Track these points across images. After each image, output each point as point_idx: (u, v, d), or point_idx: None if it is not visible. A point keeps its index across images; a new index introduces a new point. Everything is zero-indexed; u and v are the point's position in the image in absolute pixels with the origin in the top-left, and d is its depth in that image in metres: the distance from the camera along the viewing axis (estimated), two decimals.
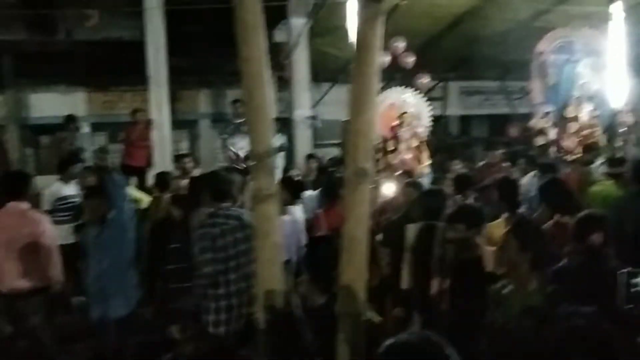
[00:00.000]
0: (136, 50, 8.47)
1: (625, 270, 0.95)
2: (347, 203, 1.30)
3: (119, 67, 9.28)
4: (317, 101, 11.24)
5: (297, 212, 4.67)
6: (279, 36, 9.65)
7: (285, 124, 9.50)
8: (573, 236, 2.92)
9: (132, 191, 5.68)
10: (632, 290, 0.94)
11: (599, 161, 6.36)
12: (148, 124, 8.48)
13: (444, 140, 12.58)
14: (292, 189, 4.68)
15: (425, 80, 9.25)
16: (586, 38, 9.24)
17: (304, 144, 9.18)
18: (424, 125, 8.79)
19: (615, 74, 7.64)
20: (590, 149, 7.08)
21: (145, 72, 8.41)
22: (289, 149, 8.57)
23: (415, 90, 9.11)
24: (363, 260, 1.26)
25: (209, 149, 10.59)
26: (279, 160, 7.21)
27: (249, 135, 1.27)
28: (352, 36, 6.47)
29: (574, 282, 2.28)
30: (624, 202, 4.05)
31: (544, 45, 9.34)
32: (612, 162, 5.37)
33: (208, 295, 3.16)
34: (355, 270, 1.26)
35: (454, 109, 14.15)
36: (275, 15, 9.49)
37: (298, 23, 8.20)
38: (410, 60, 9.90)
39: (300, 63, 8.46)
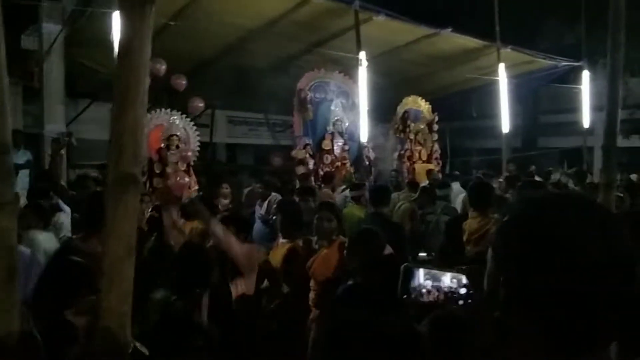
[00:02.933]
0: None
1: (404, 264, 1.10)
2: (110, 217, 1.12)
3: None
4: (73, 118, 10.22)
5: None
6: (28, 42, 8.53)
7: (33, 140, 8.36)
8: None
9: None
10: (408, 283, 1.08)
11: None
12: None
13: (210, 167, 12.65)
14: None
15: (199, 104, 9.22)
16: (338, 80, 10.43)
17: None
18: (192, 150, 8.67)
19: (361, 114, 8.72)
20: (330, 177, 7.95)
21: None
22: (36, 168, 7.52)
23: (184, 114, 8.97)
24: (128, 284, 1.10)
25: None
26: (24, 178, 6.27)
27: None
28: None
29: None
30: (364, 222, 4.63)
31: (304, 84, 10.21)
32: (353, 187, 6.14)
33: None
34: (119, 297, 1.09)
35: (221, 137, 14.38)
36: (24, 18, 8.38)
37: (51, 29, 7.36)
38: (182, 82, 9.77)
39: (53, 74, 7.58)
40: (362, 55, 8.07)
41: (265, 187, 7.12)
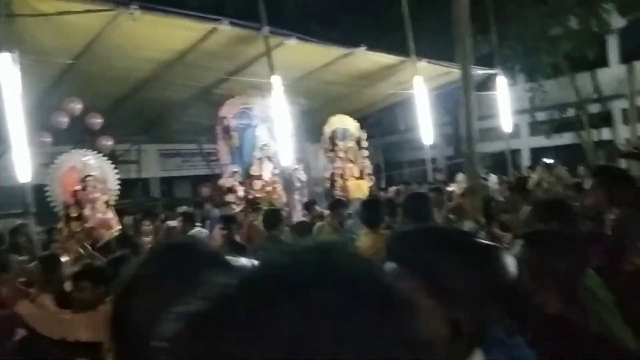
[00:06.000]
0: None
1: None
2: None
3: None
4: None
5: None
6: None
7: None
8: None
9: None
10: None
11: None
12: None
13: (142, 203, 12.34)
14: None
15: (108, 142, 8.96)
16: (261, 105, 10.41)
17: None
18: (110, 189, 8.41)
19: (284, 137, 8.71)
20: (255, 204, 7.87)
21: None
22: None
23: (99, 152, 8.72)
24: None
25: None
26: None
27: None
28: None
29: None
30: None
31: (227, 111, 10.15)
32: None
33: None
34: None
35: (154, 171, 14.08)
36: None
37: None
38: (96, 121, 9.53)
39: None
40: (276, 79, 8.10)
41: (185, 221, 6.92)
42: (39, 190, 8.05)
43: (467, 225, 3.48)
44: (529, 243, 1.85)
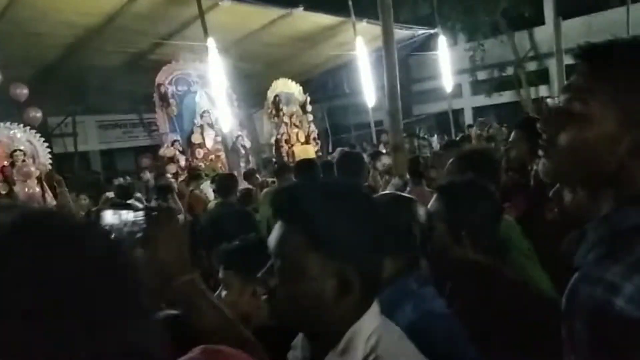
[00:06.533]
0: None
1: None
2: None
3: None
4: None
5: None
6: None
7: None
8: None
9: None
10: None
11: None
12: None
13: (82, 177, 11.87)
14: None
15: (37, 114, 8.47)
16: (199, 70, 10.06)
17: None
18: (42, 164, 8.00)
19: (223, 103, 8.45)
20: (195, 172, 7.62)
21: None
22: None
23: (28, 125, 8.24)
24: None
25: None
26: None
27: None
28: None
29: None
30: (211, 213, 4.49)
31: (163, 78, 9.76)
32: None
33: None
34: None
35: (93, 144, 13.54)
36: None
37: None
38: (22, 92, 8.97)
39: None
40: (211, 42, 7.80)
41: (119, 196, 6.65)
42: None
43: (394, 182, 3.50)
44: (443, 194, 1.84)
